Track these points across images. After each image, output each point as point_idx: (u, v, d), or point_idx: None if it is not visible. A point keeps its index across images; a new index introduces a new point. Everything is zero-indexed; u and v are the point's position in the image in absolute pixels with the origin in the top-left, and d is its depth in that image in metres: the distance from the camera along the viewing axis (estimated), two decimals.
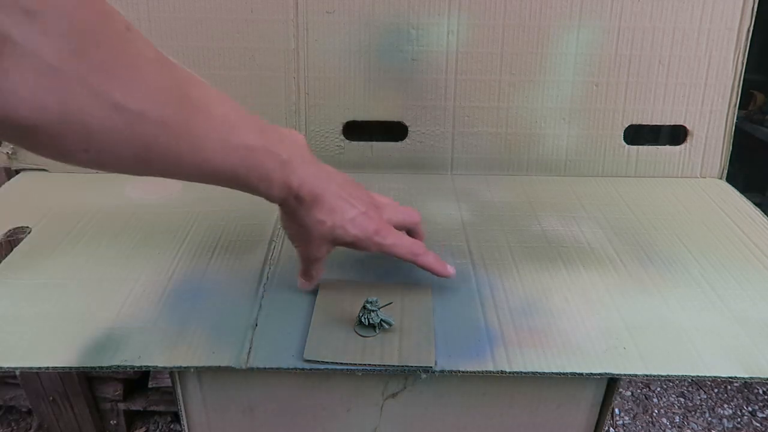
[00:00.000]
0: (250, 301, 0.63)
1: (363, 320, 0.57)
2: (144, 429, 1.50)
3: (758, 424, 1.58)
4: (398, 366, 0.54)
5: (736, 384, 1.68)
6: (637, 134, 0.95)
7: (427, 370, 0.54)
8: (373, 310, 0.57)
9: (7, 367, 0.55)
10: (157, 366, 0.55)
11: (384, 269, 0.69)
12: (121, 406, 1.41)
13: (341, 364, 0.54)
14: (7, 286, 0.65)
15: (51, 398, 1.35)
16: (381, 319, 0.57)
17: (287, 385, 0.62)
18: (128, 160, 0.42)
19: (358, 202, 0.57)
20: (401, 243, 0.59)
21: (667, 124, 0.93)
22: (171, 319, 0.60)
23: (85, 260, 0.70)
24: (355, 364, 0.54)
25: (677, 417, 1.60)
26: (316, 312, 0.60)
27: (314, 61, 0.89)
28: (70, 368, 0.55)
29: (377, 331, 0.57)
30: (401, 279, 0.67)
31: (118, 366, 0.54)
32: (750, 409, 1.63)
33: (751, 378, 0.55)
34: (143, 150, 0.42)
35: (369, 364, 0.54)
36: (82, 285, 0.65)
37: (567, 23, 0.88)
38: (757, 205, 0.86)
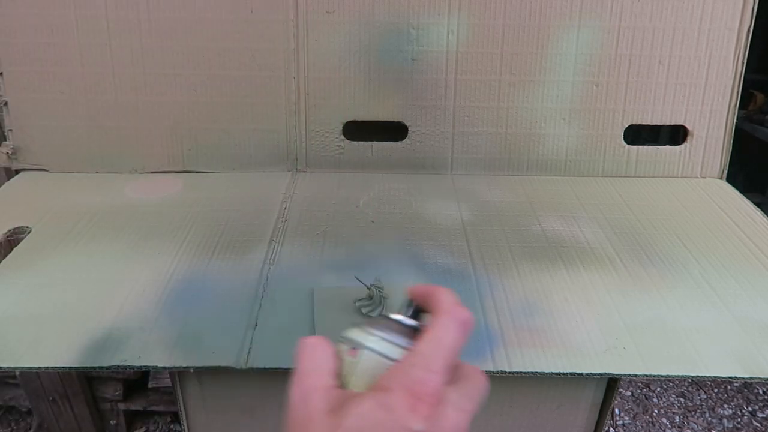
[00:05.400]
0: (250, 301, 0.63)
1: (374, 298, 0.58)
2: (144, 429, 1.50)
3: (758, 424, 1.58)
4: None
5: (736, 384, 1.68)
6: (637, 134, 0.95)
7: None
8: (381, 287, 0.57)
9: (7, 367, 0.55)
10: (157, 366, 0.55)
11: (381, 270, 0.69)
12: (121, 406, 1.41)
13: None
14: (7, 286, 0.65)
15: (51, 398, 1.35)
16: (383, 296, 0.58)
17: (287, 385, 0.62)
18: None
19: None
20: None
21: (667, 124, 0.93)
22: (171, 319, 0.60)
23: (85, 260, 0.70)
24: None
25: (677, 417, 1.60)
26: (317, 324, 0.60)
27: (314, 61, 0.89)
28: (70, 368, 0.55)
29: (383, 307, 0.58)
30: (395, 281, 0.67)
31: (118, 366, 0.54)
32: (750, 409, 1.63)
33: (751, 378, 0.55)
34: None
35: None
36: (82, 285, 0.65)
37: (567, 23, 0.88)
38: (757, 205, 0.86)
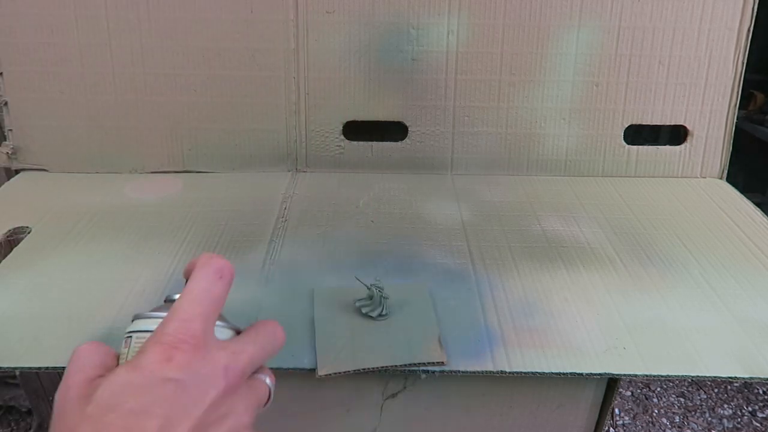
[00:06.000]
0: (251, 301, 0.63)
1: (374, 298, 0.58)
2: None
3: (758, 424, 1.58)
4: (411, 365, 0.54)
5: (736, 384, 1.68)
6: (637, 134, 0.95)
7: (437, 366, 0.54)
8: (381, 287, 0.58)
9: (7, 367, 0.55)
10: None
11: (381, 270, 0.69)
12: None
13: (357, 371, 0.54)
14: (7, 286, 0.65)
15: (51, 398, 1.35)
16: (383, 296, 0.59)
17: (287, 385, 0.62)
18: None
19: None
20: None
21: (667, 124, 0.93)
22: None
23: (85, 260, 0.70)
24: (370, 369, 0.54)
25: (677, 417, 1.60)
26: (318, 324, 0.59)
27: (314, 61, 0.89)
28: None
29: (383, 307, 0.58)
30: (396, 281, 0.67)
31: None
32: (750, 409, 1.63)
33: (751, 378, 0.55)
34: None
35: (381, 367, 0.54)
36: (82, 285, 0.65)
37: (567, 23, 0.88)
38: (757, 205, 0.86)
